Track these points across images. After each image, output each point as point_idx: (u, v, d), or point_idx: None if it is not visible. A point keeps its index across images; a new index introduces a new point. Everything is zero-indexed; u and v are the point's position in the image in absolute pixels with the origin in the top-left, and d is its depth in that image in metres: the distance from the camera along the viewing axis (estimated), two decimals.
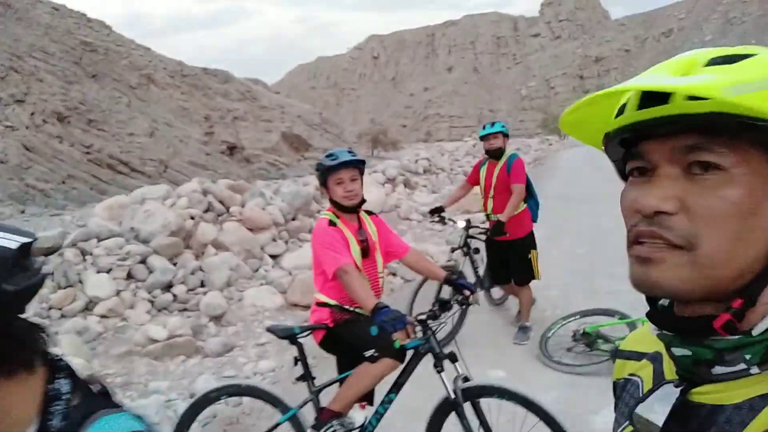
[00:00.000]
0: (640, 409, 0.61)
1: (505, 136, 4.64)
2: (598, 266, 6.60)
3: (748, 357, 0.55)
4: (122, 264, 5.81)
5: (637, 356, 0.73)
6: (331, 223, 2.75)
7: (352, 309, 2.75)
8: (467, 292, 2.70)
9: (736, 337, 0.55)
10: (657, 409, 0.59)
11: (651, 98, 0.56)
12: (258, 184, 10.86)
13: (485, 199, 4.76)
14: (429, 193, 14.50)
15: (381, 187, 13.84)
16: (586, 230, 9.05)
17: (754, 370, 0.55)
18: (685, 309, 0.61)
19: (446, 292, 4.34)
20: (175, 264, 6.36)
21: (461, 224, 4.98)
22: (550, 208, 11.91)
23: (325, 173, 2.74)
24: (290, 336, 2.56)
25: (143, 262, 6.04)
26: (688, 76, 0.55)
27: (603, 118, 0.64)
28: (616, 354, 0.79)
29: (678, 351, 0.59)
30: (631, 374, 0.72)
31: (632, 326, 3.86)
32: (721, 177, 0.54)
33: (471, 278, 4.88)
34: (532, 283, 4.76)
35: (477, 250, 4.92)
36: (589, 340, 3.99)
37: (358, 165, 2.76)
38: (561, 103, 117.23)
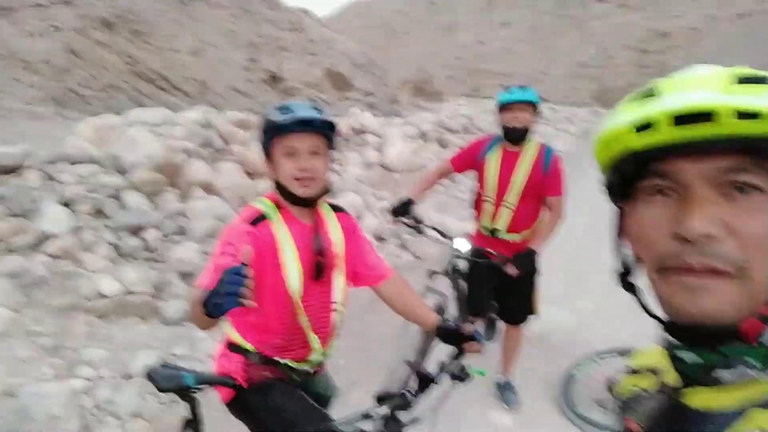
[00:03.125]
0: (633, 408, 0.68)
1: (536, 110, 2.90)
2: None
3: (753, 362, 0.56)
4: (90, 196, 5.00)
5: (643, 371, 0.74)
6: (259, 219, 1.64)
7: (282, 362, 1.72)
8: (474, 346, 1.67)
9: (750, 343, 0.56)
10: (644, 406, 0.67)
11: (688, 116, 0.53)
12: None
13: (496, 205, 3.00)
14: None
15: (410, 142, 12.69)
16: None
17: (757, 373, 0.56)
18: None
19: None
20: (155, 204, 5.55)
21: (463, 247, 3.14)
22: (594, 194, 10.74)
23: (269, 135, 1.63)
24: (179, 389, 1.53)
25: (116, 197, 5.22)
26: (737, 95, 0.52)
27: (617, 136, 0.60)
28: (627, 372, 0.79)
29: (687, 356, 0.60)
30: (634, 385, 0.74)
31: None
32: (762, 199, 0.52)
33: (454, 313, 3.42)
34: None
35: (464, 276, 3.27)
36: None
37: (325, 130, 1.63)
38: (618, 75, 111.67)
